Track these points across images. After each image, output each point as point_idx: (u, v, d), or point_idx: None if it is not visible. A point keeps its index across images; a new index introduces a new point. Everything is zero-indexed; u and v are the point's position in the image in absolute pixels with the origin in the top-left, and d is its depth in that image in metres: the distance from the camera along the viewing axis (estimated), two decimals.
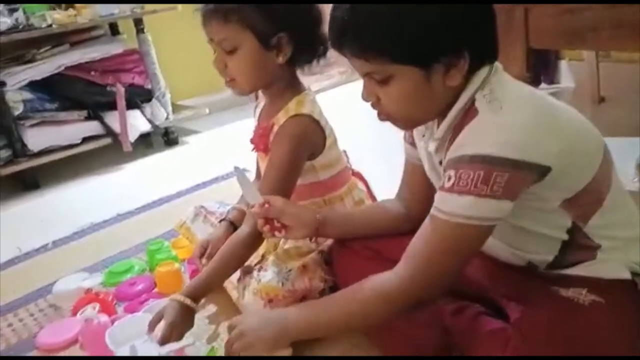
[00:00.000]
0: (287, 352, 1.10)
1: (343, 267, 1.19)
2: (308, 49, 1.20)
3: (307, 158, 1.26)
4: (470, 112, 0.86)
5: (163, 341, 1.06)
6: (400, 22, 0.81)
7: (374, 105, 0.92)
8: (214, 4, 1.15)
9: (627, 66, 2.74)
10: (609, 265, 0.91)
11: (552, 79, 2.70)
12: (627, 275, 0.91)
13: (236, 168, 1.15)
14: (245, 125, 1.50)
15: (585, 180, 0.88)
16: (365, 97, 0.91)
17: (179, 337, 1.07)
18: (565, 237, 0.91)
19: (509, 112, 0.83)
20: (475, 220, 0.82)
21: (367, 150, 2.32)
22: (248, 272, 1.21)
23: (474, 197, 0.80)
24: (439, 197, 0.86)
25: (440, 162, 0.94)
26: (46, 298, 1.52)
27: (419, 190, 1.12)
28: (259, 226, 1.10)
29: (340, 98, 3.23)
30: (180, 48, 2.74)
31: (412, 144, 1.09)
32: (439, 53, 0.83)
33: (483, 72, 0.87)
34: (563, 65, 2.80)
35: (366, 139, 2.52)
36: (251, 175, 1.45)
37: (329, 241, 1.24)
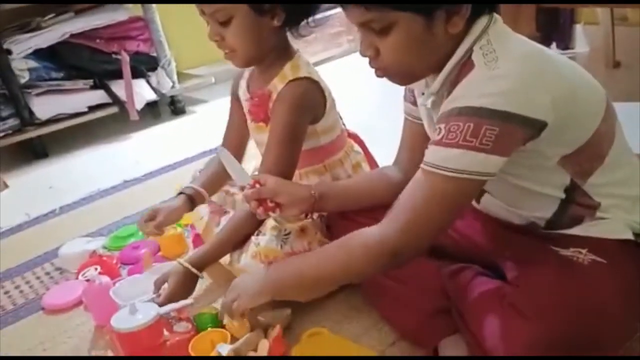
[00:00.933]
0: (286, 312, 1.11)
1: (341, 231, 1.17)
2: (300, 9, 1.15)
3: (309, 123, 1.22)
4: (466, 65, 0.84)
5: (166, 302, 1.09)
6: None
7: (371, 60, 0.89)
8: None
9: None
10: (609, 225, 0.89)
11: (566, 44, 2.63)
12: (628, 235, 0.89)
13: (221, 149, 1.13)
14: None
15: (586, 135, 0.86)
16: (363, 50, 0.87)
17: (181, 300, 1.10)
18: (563, 195, 0.89)
19: (503, 64, 0.80)
20: (464, 174, 0.80)
21: (377, 118, 2.29)
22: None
23: (463, 150, 0.79)
24: (428, 150, 0.84)
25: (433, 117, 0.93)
26: (52, 261, 1.54)
27: (418, 151, 1.08)
28: (252, 208, 1.06)
29: (349, 66, 3.20)
30: (185, 16, 2.67)
31: (413, 102, 1.07)
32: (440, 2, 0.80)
33: (481, 23, 0.85)
34: (578, 29, 2.72)
35: (376, 106, 2.49)
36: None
37: None
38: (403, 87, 1.08)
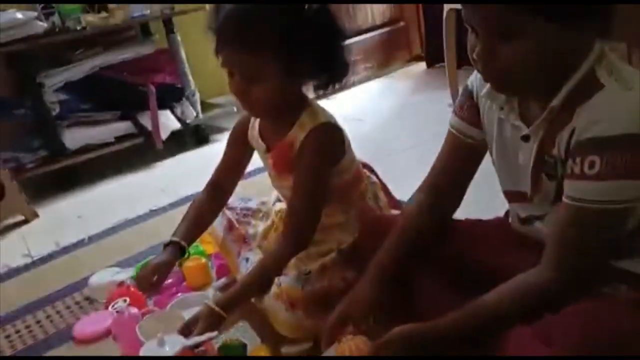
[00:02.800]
0: (307, 345, 1.14)
1: (370, 258, 1.12)
2: (333, 69, 1.16)
3: (332, 165, 1.24)
4: (591, 84, 0.82)
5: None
6: None
7: (486, 64, 0.84)
8: (233, 28, 1.07)
9: None
10: None
11: None
12: None
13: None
14: None
15: None
16: (486, 53, 0.82)
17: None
18: (635, 227, 0.87)
19: (637, 85, 0.79)
20: (626, 203, 0.80)
21: (396, 145, 2.33)
22: None
23: (625, 181, 0.78)
24: (581, 185, 0.81)
25: (526, 138, 0.90)
26: (82, 291, 1.59)
27: (460, 170, 1.08)
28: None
29: (366, 93, 3.26)
30: (208, 47, 2.78)
31: (468, 120, 1.03)
32: (585, 11, 0.78)
33: (599, 43, 0.83)
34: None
35: (396, 132, 2.53)
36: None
37: (348, 239, 1.24)
38: (448, 104, 1.06)
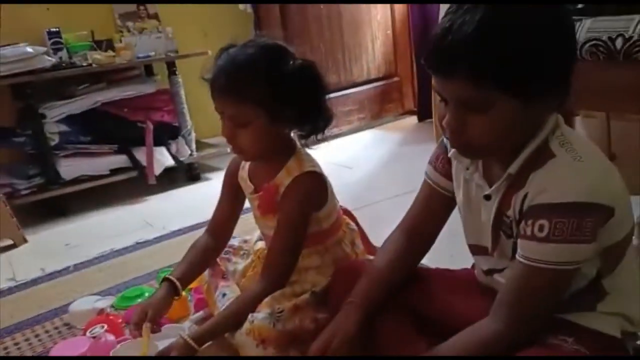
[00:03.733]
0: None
1: (342, 303, 1.18)
2: (316, 120, 1.24)
3: (313, 211, 1.30)
4: (544, 153, 0.89)
5: None
6: (523, 52, 0.80)
7: (455, 134, 0.89)
8: (225, 80, 1.17)
9: (638, 124, 2.78)
10: (603, 320, 0.95)
11: None
12: (617, 333, 0.95)
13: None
14: None
15: (627, 229, 0.92)
16: (454, 124, 0.88)
17: None
18: (583, 285, 0.94)
19: (584, 156, 0.86)
20: (571, 265, 0.87)
21: (381, 194, 2.40)
22: None
23: (570, 245, 0.85)
24: (531, 246, 0.88)
25: (488, 197, 0.97)
26: (62, 317, 1.63)
27: (432, 217, 1.14)
28: None
29: (358, 143, 3.36)
30: (207, 90, 2.88)
31: (442, 173, 1.10)
32: (548, 88, 0.85)
33: (554, 116, 0.91)
34: (577, 121, 2.85)
35: (382, 181, 2.61)
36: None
37: (322, 282, 1.29)
38: (429, 156, 1.12)
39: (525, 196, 0.91)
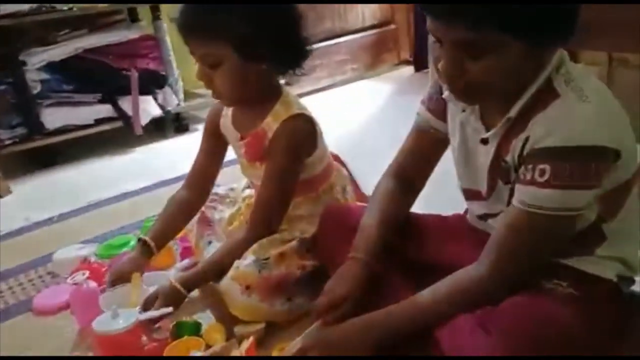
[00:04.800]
0: (260, 326, 1.15)
1: (330, 245, 1.18)
2: (290, 54, 1.19)
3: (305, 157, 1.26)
4: (548, 94, 0.84)
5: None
6: None
7: (453, 78, 0.85)
8: (191, 19, 1.12)
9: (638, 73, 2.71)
10: (601, 264, 0.93)
11: None
12: (612, 277, 0.93)
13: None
14: None
15: (628, 174, 0.88)
16: (450, 69, 0.83)
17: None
18: (582, 229, 0.91)
19: (591, 96, 0.81)
20: (572, 211, 0.83)
21: (373, 145, 2.35)
22: None
23: (573, 190, 0.81)
24: (530, 191, 0.84)
25: (485, 141, 0.93)
26: (46, 266, 1.60)
27: (423, 159, 1.11)
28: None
29: (352, 94, 3.28)
30: None
31: (436, 113, 1.06)
32: (552, 29, 0.80)
33: (557, 52, 0.86)
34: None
35: (376, 133, 2.55)
36: None
37: (312, 230, 1.26)
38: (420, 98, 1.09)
39: (526, 140, 0.86)
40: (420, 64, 3.42)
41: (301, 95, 2.62)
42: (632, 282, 0.99)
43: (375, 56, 3.56)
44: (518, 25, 0.77)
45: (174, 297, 1.16)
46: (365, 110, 2.91)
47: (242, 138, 1.28)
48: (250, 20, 1.11)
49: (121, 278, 1.23)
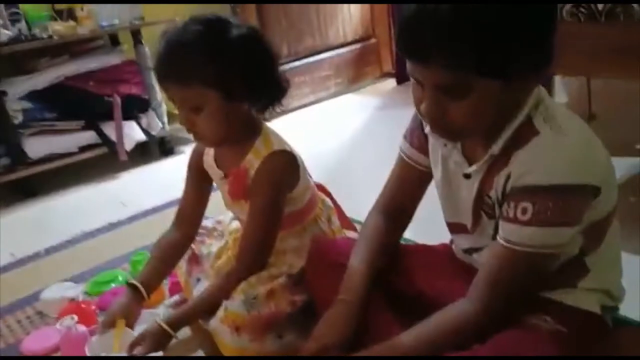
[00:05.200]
0: None
1: (318, 282, 1.18)
2: (269, 92, 1.18)
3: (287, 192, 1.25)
4: (527, 130, 0.85)
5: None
6: (500, 35, 0.77)
7: (435, 119, 0.86)
8: (164, 65, 1.11)
9: (619, 82, 2.75)
10: (584, 296, 0.94)
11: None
12: (596, 309, 0.94)
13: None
14: None
15: (610, 206, 0.90)
16: (430, 111, 0.84)
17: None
18: (565, 263, 0.92)
19: (573, 136, 0.83)
20: (554, 248, 0.85)
21: (359, 162, 2.36)
22: None
23: (554, 228, 0.82)
24: (513, 229, 0.85)
25: (467, 176, 0.94)
26: (34, 305, 1.58)
27: (409, 194, 1.12)
28: None
29: (336, 109, 3.30)
30: None
31: (418, 147, 1.07)
32: (528, 65, 0.80)
33: (537, 89, 0.87)
34: (557, 80, 2.82)
35: (361, 148, 2.57)
36: None
37: (300, 264, 1.25)
38: (405, 128, 1.09)
39: (509, 176, 0.87)
40: (402, 76, 3.45)
41: (286, 112, 2.62)
42: (616, 310, 1.01)
43: (358, 70, 3.59)
44: (497, 65, 0.78)
45: (161, 338, 1.15)
46: (350, 124, 2.93)
47: (225, 176, 1.28)
48: (228, 59, 1.11)
49: (112, 323, 1.21)
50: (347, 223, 1.51)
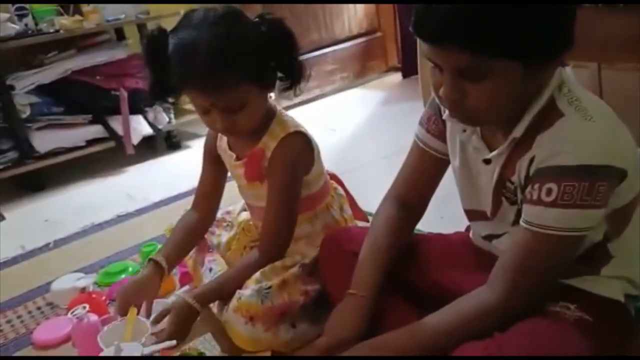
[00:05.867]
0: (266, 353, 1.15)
1: (331, 271, 1.18)
2: (293, 75, 1.19)
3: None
4: (551, 113, 0.84)
5: (168, 338, 1.12)
6: (518, 14, 0.75)
7: (454, 103, 0.84)
8: (206, 73, 1.06)
9: (630, 74, 2.73)
10: (606, 284, 0.92)
11: None
12: (620, 297, 0.92)
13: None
14: None
15: (635, 191, 0.88)
16: (450, 93, 0.83)
17: (182, 337, 1.15)
18: (588, 249, 0.90)
19: (595, 115, 0.82)
20: (579, 231, 0.83)
21: (367, 156, 2.36)
22: None
23: (580, 210, 0.81)
24: (537, 211, 0.83)
25: (487, 161, 0.92)
26: (44, 296, 1.58)
27: (424, 181, 1.10)
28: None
29: (342, 103, 3.29)
30: None
31: (434, 134, 1.05)
32: (547, 46, 0.79)
33: (558, 71, 0.85)
34: (568, 71, 2.80)
35: (368, 142, 2.56)
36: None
37: (312, 253, 1.25)
38: (411, 121, 1.08)
39: (532, 159, 0.86)
40: (408, 70, 3.44)
41: (292, 106, 2.64)
42: (638, 299, 0.99)
43: (364, 64, 3.58)
44: (515, 45, 0.77)
45: (187, 314, 1.16)
46: (356, 118, 2.92)
47: (238, 159, 1.28)
48: (262, 49, 1.11)
49: (127, 307, 1.19)
50: (359, 214, 1.51)
